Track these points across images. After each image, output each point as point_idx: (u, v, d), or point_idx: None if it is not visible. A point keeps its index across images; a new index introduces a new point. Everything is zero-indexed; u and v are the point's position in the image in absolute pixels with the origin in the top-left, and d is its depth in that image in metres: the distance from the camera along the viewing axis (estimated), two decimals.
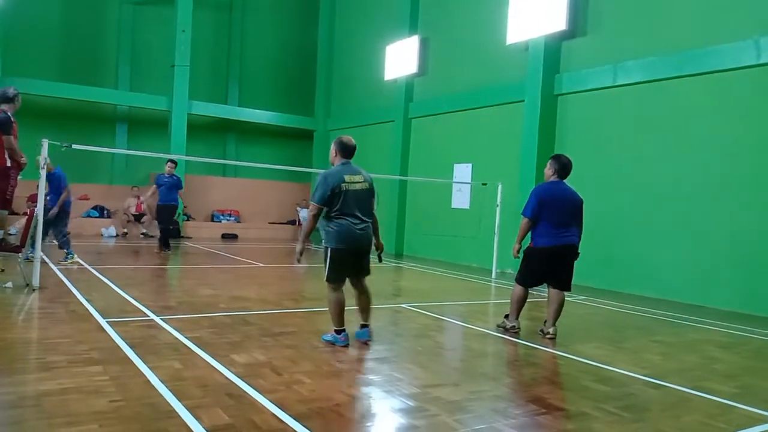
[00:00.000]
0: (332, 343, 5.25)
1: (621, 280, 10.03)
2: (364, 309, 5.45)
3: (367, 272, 5.45)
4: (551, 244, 5.95)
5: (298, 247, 5.41)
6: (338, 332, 5.27)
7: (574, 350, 5.61)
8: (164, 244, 12.35)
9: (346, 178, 5.16)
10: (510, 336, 6.12)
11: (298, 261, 5.49)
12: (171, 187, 12.08)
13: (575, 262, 6.12)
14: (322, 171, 5.48)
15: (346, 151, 5.34)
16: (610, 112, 10.53)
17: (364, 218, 5.22)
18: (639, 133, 10.03)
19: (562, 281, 6.09)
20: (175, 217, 13.49)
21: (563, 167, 6.11)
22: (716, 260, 8.83)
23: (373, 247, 5.49)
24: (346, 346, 5.21)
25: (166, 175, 12.12)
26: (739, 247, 8.58)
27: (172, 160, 12.28)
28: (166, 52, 17.28)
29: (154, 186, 12.21)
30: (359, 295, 5.43)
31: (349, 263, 5.24)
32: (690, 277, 9.12)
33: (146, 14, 18.25)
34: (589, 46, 10.94)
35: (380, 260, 5.71)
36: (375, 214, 5.43)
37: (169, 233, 12.78)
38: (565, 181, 6.18)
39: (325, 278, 5.25)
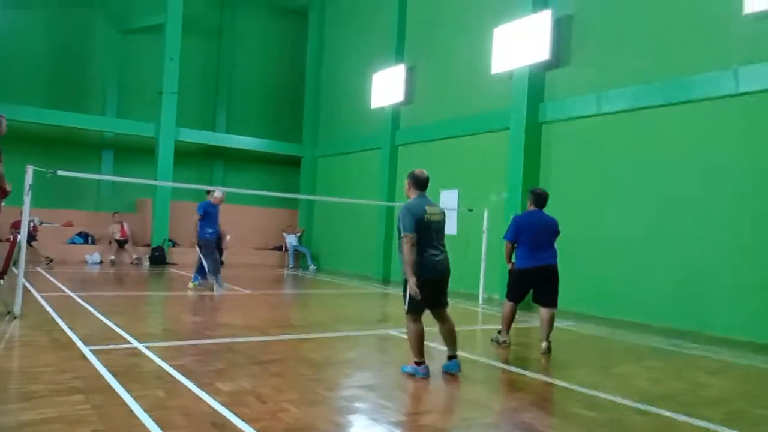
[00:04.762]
0: (412, 375, 5.21)
1: (608, 306, 10.05)
2: (448, 339, 5.40)
3: (447, 303, 5.44)
4: (528, 265, 6.68)
5: (411, 281, 5.02)
6: (418, 363, 5.23)
7: (562, 376, 5.60)
8: (217, 273, 10.98)
9: (427, 209, 5.24)
10: (498, 362, 6.12)
11: (416, 295, 5.09)
12: (217, 216, 11.29)
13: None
14: (402, 204, 5.45)
15: (420, 183, 5.41)
16: (594, 140, 10.68)
17: (442, 249, 5.30)
18: (623, 161, 10.17)
19: (548, 299, 6.70)
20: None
21: (538, 197, 6.86)
22: (703, 285, 8.89)
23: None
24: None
25: (216, 204, 11.25)
26: (726, 273, 8.65)
27: (220, 190, 11.51)
28: (153, 79, 17.35)
29: (201, 215, 10.95)
30: (441, 326, 5.40)
31: (429, 294, 5.20)
32: (677, 302, 9.17)
33: (134, 42, 18.36)
34: (573, 75, 11.14)
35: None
36: None
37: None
38: (544, 210, 6.87)
39: (405, 311, 5.24)
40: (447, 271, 5.37)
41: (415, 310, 5.23)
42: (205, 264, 10.82)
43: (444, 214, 5.45)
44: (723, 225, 8.74)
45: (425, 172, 5.49)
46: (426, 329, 5.34)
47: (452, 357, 5.38)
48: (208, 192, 11.93)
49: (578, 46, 11.09)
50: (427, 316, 5.33)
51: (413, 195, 5.40)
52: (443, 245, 5.37)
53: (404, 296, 5.22)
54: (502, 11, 12.28)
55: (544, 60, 11.19)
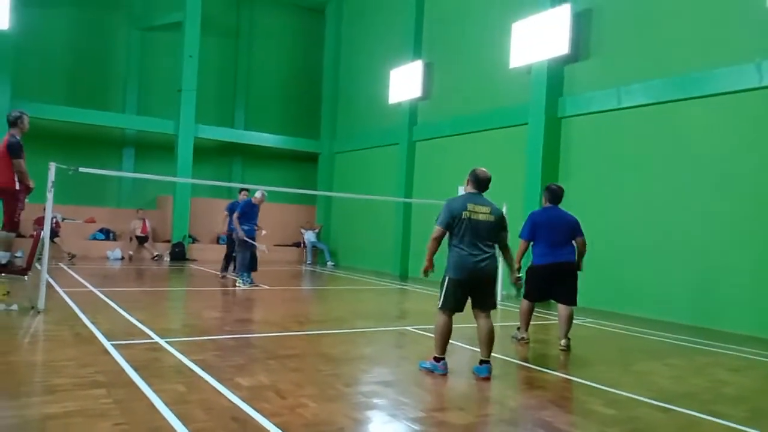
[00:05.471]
0: (431, 371, 5.19)
1: (629, 303, 9.96)
2: (485, 343, 5.20)
3: (491, 306, 5.31)
4: (547, 262, 6.64)
5: (425, 265, 5.23)
6: (438, 360, 5.21)
7: (581, 373, 5.57)
8: (242, 270, 11.32)
9: (469, 206, 5.14)
10: (516, 359, 6.10)
11: (425, 275, 5.31)
12: (255, 215, 11.44)
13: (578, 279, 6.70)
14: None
15: (478, 182, 5.33)
16: (614, 135, 10.56)
17: (485, 249, 5.15)
18: (643, 155, 10.05)
19: (566, 296, 6.66)
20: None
21: (553, 194, 6.84)
22: (723, 282, 8.77)
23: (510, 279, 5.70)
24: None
25: (257, 204, 11.34)
26: (749, 269, 8.52)
27: (262, 192, 11.35)
28: (173, 77, 17.51)
29: (241, 213, 11.09)
30: (480, 328, 5.26)
31: (464, 293, 5.18)
32: (698, 299, 9.06)
33: (154, 40, 18.53)
34: (592, 69, 11.03)
35: (516, 292, 5.70)
36: (509, 246, 5.42)
37: None
38: (560, 206, 6.83)
39: (438, 305, 5.25)
40: (487, 273, 5.17)
41: (447, 307, 5.21)
42: (238, 258, 11.31)
43: (497, 214, 5.24)
44: (744, 221, 8.60)
45: (487, 172, 5.35)
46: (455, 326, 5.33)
47: (484, 361, 5.19)
48: (241, 191, 12.44)
49: (598, 39, 10.97)
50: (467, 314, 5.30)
51: (468, 191, 5.36)
52: (489, 246, 5.18)
53: (440, 292, 5.24)
54: (521, 6, 12.19)
55: (563, 54, 11.09)
